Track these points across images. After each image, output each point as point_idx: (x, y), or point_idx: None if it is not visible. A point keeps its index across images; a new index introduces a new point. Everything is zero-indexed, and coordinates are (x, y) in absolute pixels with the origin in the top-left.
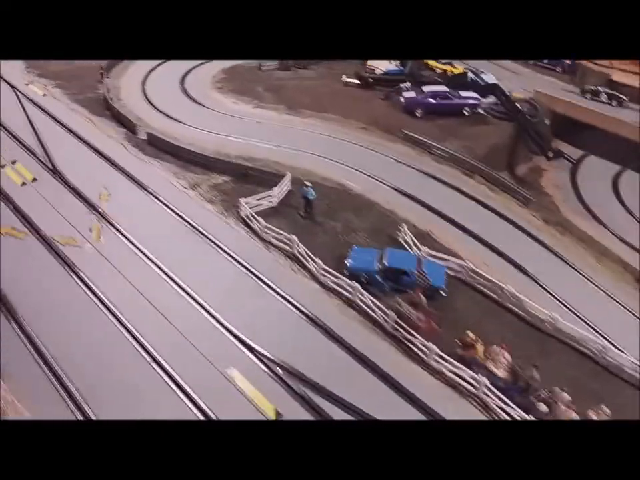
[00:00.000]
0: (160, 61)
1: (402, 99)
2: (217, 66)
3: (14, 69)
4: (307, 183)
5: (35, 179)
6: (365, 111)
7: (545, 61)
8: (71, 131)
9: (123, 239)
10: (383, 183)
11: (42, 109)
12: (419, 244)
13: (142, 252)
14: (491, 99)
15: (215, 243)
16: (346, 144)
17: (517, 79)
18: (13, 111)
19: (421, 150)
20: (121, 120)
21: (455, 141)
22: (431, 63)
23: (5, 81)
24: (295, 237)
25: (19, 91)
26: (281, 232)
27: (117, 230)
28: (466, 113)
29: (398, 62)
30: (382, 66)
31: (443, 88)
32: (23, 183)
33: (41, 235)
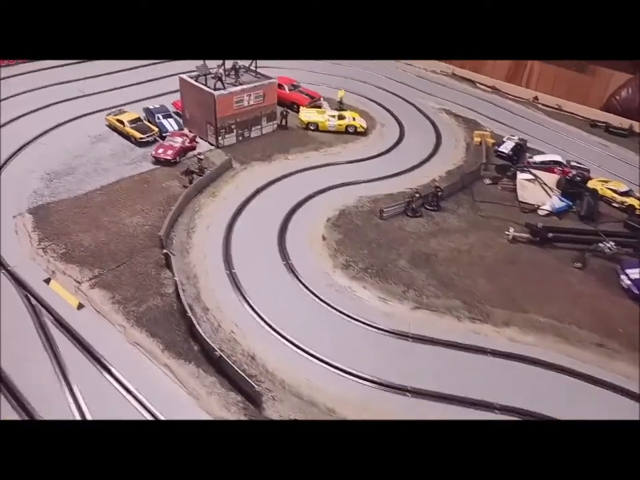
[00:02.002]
0: (234, 211)
1: (625, 279)
2: (320, 210)
3: (20, 241)
4: None
5: None
6: (575, 302)
7: None
8: (144, 406)
9: None
10: None
11: (82, 346)
12: None
13: None
14: None
15: None
16: (595, 390)
17: None
18: (25, 344)
19: None
20: (223, 369)
21: None
22: (604, 190)
23: (9, 273)
24: None
25: (35, 297)
26: None
27: None
28: None
29: (559, 192)
30: (537, 199)
31: None
32: None
33: None
